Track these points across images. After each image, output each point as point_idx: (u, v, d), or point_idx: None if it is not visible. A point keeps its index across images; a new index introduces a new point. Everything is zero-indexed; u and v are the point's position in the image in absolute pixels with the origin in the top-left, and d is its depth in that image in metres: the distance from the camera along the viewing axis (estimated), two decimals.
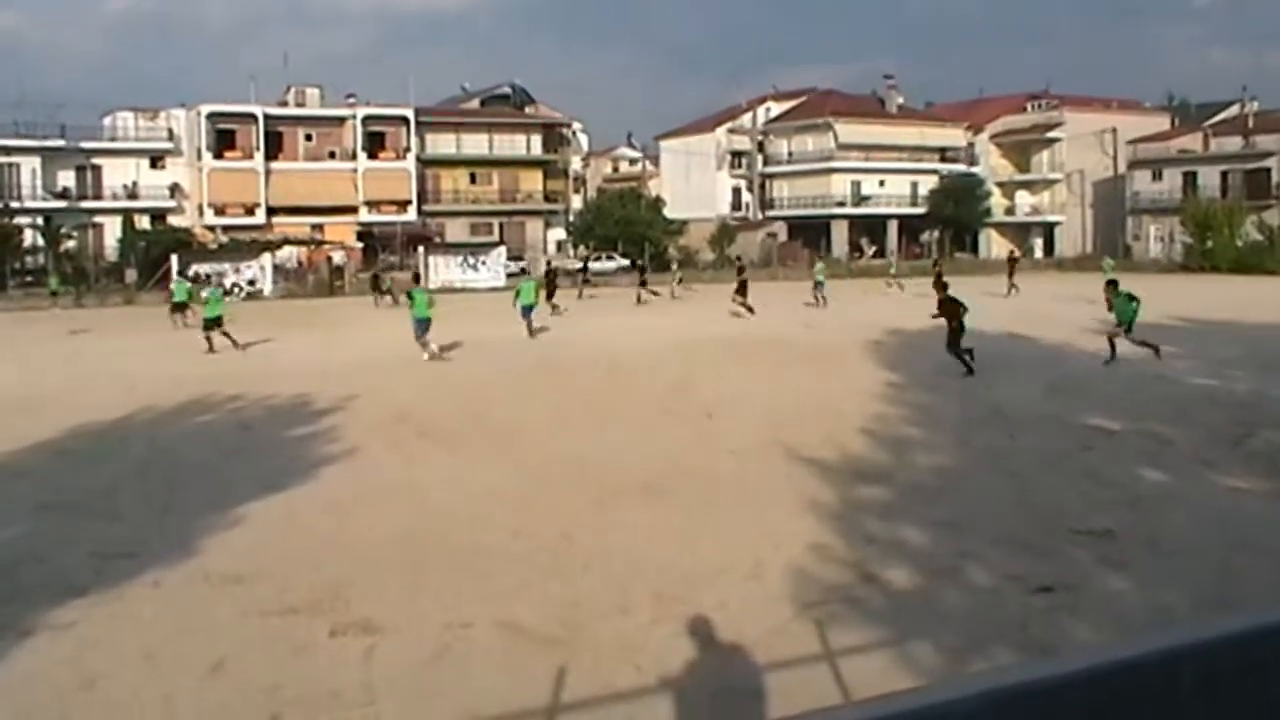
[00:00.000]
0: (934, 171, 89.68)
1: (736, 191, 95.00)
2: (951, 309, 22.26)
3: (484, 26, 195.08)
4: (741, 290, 39.37)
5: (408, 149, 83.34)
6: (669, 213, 78.58)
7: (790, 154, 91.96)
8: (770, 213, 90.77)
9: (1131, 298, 23.57)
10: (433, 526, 11.17)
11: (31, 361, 28.29)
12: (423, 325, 26.40)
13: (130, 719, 6.83)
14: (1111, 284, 25.08)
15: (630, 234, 73.07)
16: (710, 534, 10.67)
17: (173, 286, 36.86)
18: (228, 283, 53.88)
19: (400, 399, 19.96)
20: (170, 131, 78.73)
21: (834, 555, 9.82)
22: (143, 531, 11.19)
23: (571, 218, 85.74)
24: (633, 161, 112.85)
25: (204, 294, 32.09)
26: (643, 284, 48.80)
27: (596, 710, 6.95)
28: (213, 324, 29.27)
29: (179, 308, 36.68)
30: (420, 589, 9.11)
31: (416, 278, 28.84)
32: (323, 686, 7.22)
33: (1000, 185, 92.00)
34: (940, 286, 23.71)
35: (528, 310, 33.22)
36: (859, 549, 10.02)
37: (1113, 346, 23.05)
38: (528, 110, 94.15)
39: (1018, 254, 61.94)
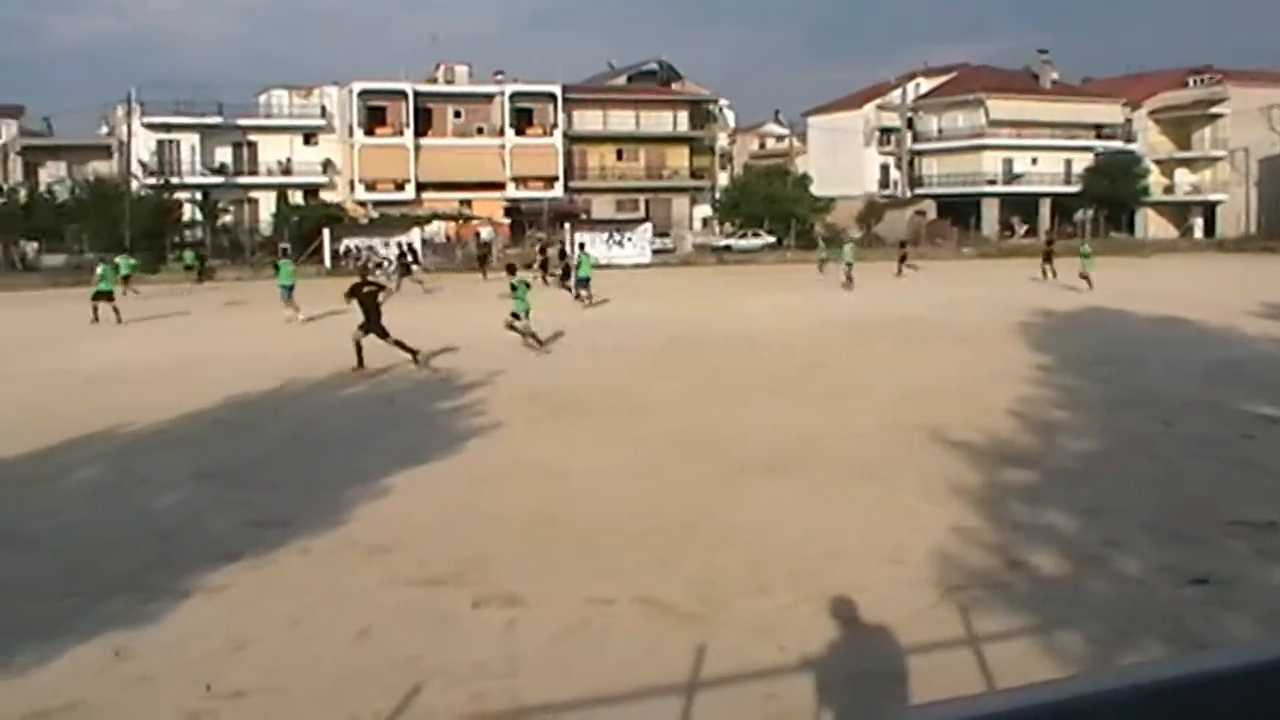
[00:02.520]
0: (1089, 149, 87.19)
1: (885, 169, 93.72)
2: None
3: (632, 3, 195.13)
4: (902, 260, 48.36)
5: (555, 125, 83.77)
6: (816, 190, 77.79)
7: (940, 131, 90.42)
8: (919, 190, 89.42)
9: None
10: (571, 502, 11.24)
11: (189, 333, 29.12)
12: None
13: (278, 682, 6.99)
14: None
15: (776, 211, 72.57)
16: (849, 514, 10.57)
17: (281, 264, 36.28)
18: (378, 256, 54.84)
19: (537, 375, 20.12)
20: (323, 109, 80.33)
21: (977, 539, 9.65)
22: (293, 500, 11.46)
23: (718, 194, 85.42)
24: (780, 138, 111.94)
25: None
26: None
27: (736, 687, 6.92)
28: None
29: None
30: (560, 563, 9.17)
31: (511, 268, 28.31)
32: (465, 657, 7.30)
33: (1158, 163, 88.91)
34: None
35: (584, 282, 34.31)
36: (1003, 533, 9.84)
37: None
38: (675, 87, 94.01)
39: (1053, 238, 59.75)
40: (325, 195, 75.63)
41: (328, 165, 79.20)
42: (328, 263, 57.02)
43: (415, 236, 60.13)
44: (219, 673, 7.08)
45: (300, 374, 20.25)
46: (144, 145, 72.72)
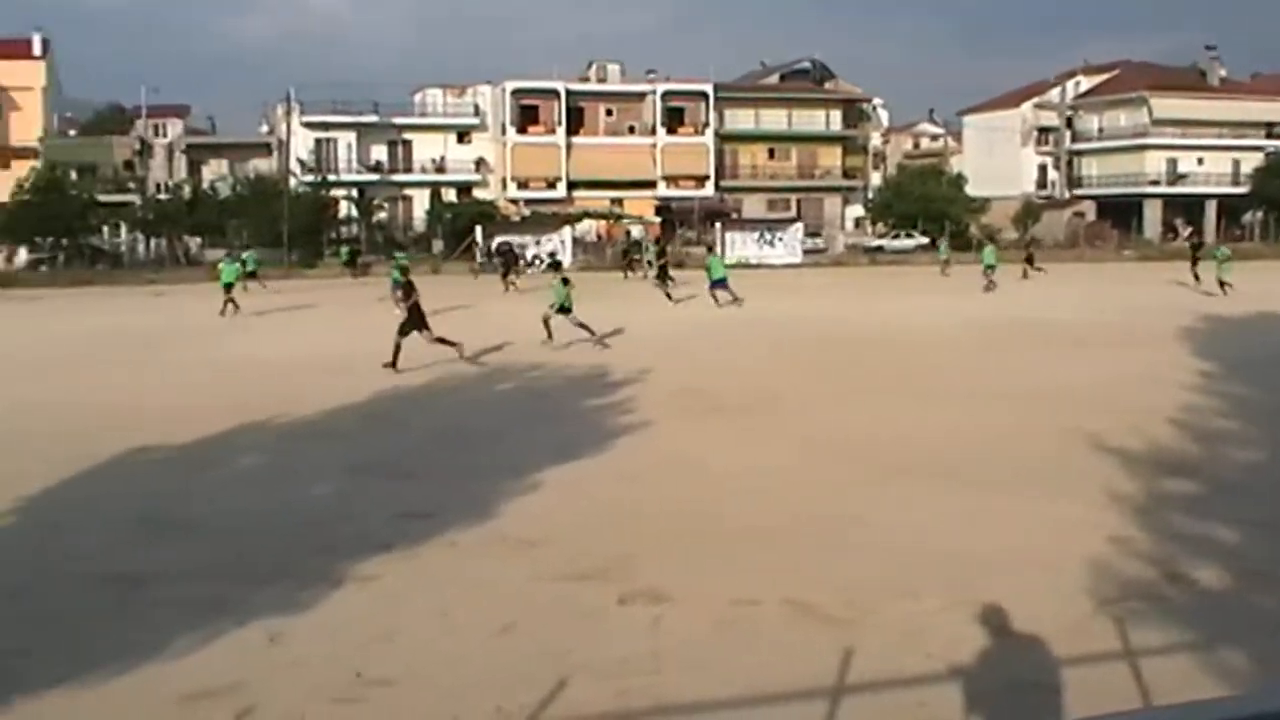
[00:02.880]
0: (1259, 148, 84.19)
1: (1042, 169, 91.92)
2: None
3: (786, 1, 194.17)
4: (1029, 260, 47.10)
5: (706, 124, 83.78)
6: (971, 190, 76.59)
7: (1101, 130, 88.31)
8: (1078, 191, 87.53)
9: None
10: (720, 501, 11.19)
11: (342, 327, 29.75)
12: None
13: (424, 672, 7.07)
14: None
15: (930, 211, 71.58)
16: (1002, 520, 10.35)
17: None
18: (529, 254, 55.42)
19: (689, 373, 20.12)
20: (476, 107, 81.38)
21: (1136, 550, 9.36)
22: (443, 493, 11.61)
23: (870, 194, 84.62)
24: (934, 137, 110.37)
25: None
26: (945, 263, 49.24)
27: (883, 694, 6.82)
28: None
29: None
30: (707, 562, 9.13)
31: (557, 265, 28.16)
32: (610, 653, 7.31)
33: None
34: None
35: (719, 283, 33.76)
36: (1163, 544, 9.52)
37: None
38: (827, 85, 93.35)
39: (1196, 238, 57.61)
40: (478, 193, 76.72)
41: (480, 163, 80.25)
42: (479, 260, 57.76)
43: (566, 235, 60.61)
44: (368, 660, 7.19)
45: (450, 369, 20.53)
46: (302, 143, 74.44)
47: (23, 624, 8.02)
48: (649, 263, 48.23)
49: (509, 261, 45.69)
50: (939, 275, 48.84)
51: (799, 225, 66.02)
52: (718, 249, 53.43)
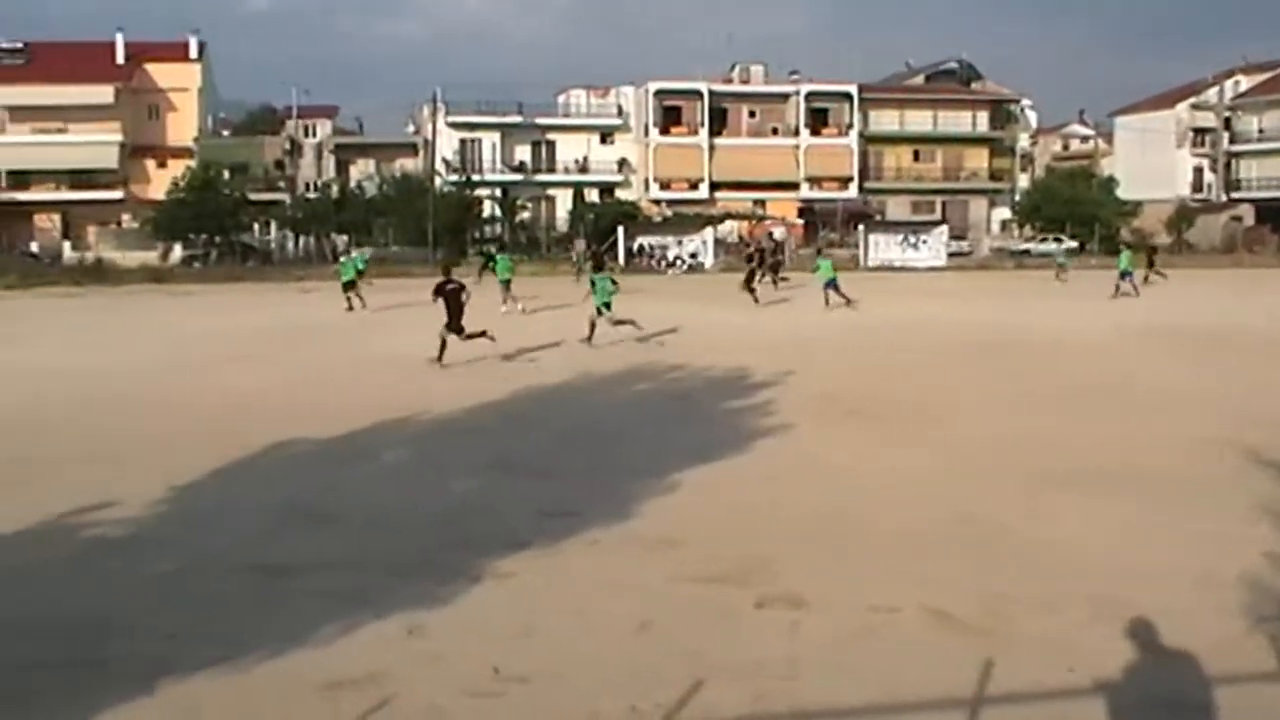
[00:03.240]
0: None
1: (1198, 171, 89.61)
2: None
3: (930, 1, 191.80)
4: (1150, 264, 45.16)
5: (850, 125, 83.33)
6: (1122, 193, 74.89)
7: (1261, 131, 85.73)
8: (1235, 194, 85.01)
9: None
10: (860, 506, 11.06)
11: (484, 324, 30.03)
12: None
13: (561, 669, 7.08)
14: None
15: (1079, 215, 70.12)
16: (1152, 533, 10.05)
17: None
18: (670, 255, 55.53)
19: (831, 376, 19.95)
20: (620, 108, 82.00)
21: None
22: (582, 492, 11.66)
23: (1017, 197, 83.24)
24: (1084, 139, 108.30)
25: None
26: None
27: (1024, 706, 6.65)
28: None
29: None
30: (846, 568, 9.03)
31: (598, 264, 28.18)
32: (746, 655, 7.26)
33: None
34: None
35: (830, 285, 34.18)
36: None
37: None
38: (974, 86, 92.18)
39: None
40: (620, 193, 77.28)
41: (623, 164, 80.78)
42: (622, 260, 58.03)
43: (708, 236, 60.63)
44: (506, 656, 7.23)
45: (589, 368, 20.64)
46: (447, 143, 75.69)
47: (172, 610, 8.23)
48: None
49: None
50: (1054, 281, 47.78)
51: (943, 228, 65.14)
52: (883, 249, 53.26)
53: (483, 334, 22.66)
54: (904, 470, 12.60)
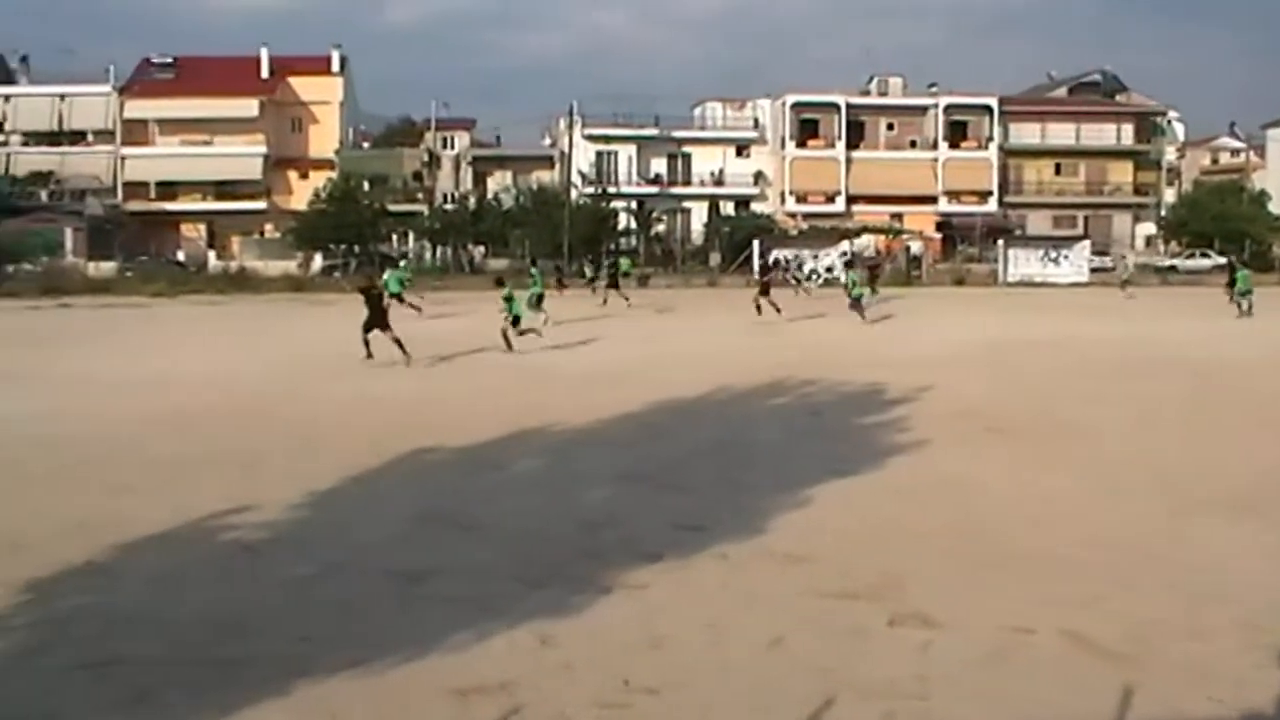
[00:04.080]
0: None
1: None
2: None
3: (1073, 11, 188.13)
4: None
5: (990, 139, 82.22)
6: (1275, 208, 72.73)
7: None
8: None
9: None
10: (996, 525, 10.87)
11: (619, 337, 30.21)
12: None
13: (691, 682, 7.06)
14: None
15: (1227, 230, 68.23)
16: None
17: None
18: (806, 269, 55.21)
19: (968, 393, 19.64)
20: (756, 121, 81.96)
21: None
22: (713, 506, 11.63)
23: (1163, 212, 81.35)
24: (1235, 152, 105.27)
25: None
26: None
27: None
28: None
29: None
30: (980, 587, 8.87)
31: (499, 282, 29.28)
32: (877, 674, 7.17)
33: None
34: None
35: (858, 300, 34.90)
36: None
37: None
38: (1119, 98, 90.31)
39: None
40: (756, 206, 77.14)
41: (759, 177, 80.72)
42: (756, 274, 57.89)
43: (844, 249, 60.29)
44: (636, 668, 7.23)
45: (725, 381, 20.59)
46: (584, 156, 76.28)
47: (309, 612, 8.39)
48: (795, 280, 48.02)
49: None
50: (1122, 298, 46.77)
51: (1086, 243, 63.91)
52: (1023, 264, 52.94)
53: (403, 351, 24.16)
54: (1044, 490, 12.35)
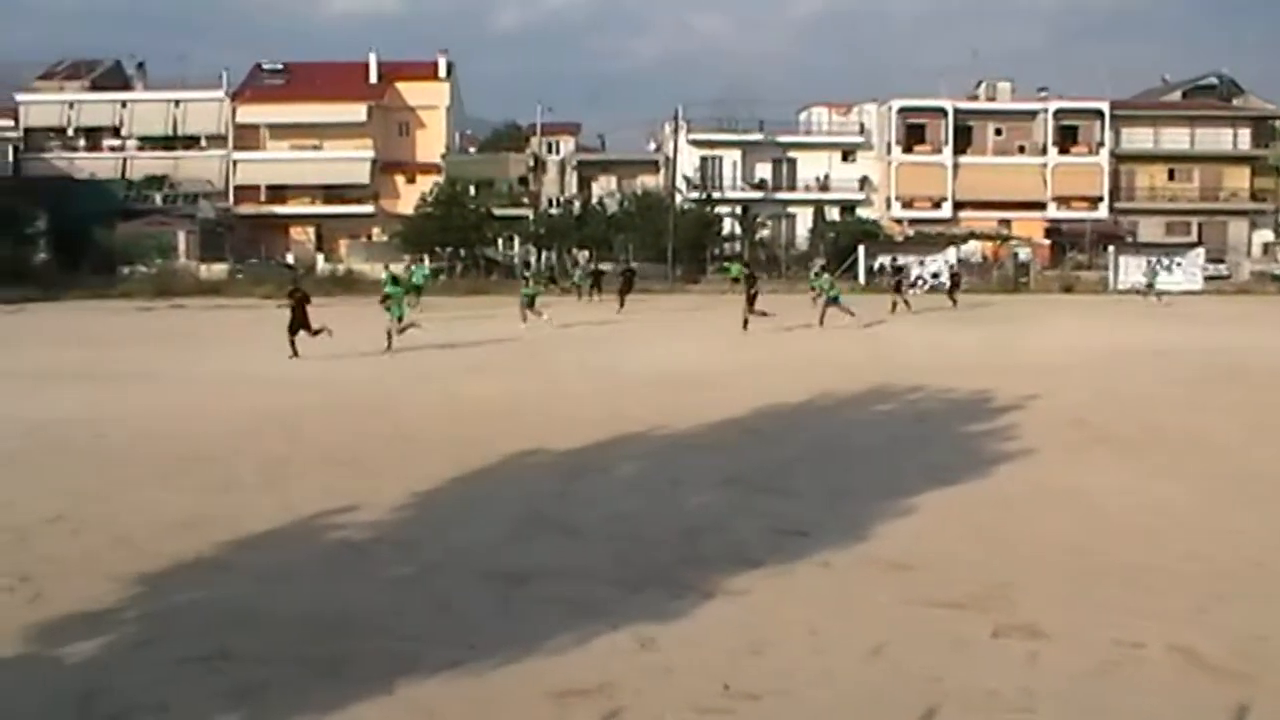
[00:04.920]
0: None
1: None
2: None
3: (1189, 14, 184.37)
4: None
5: (1101, 144, 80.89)
6: None
7: None
8: None
9: None
10: (1104, 537, 10.66)
11: (725, 342, 30.16)
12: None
13: (791, 689, 7.02)
14: None
15: None
16: None
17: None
18: (913, 275, 54.68)
19: (1077, 402, 19.31)
20: (862, 126, 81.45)
21: None
22: (815, 512, 11.56)
23: None
24: None
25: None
26: None
27: None
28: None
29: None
30: (1088, 600, 8.71)
31: (395, 279, 31.70)
32: (981, 685, 7.07)
33: None
34: None
35: (835, 300, 34.93)
36: None
37: None
38: (1235, 102, 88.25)
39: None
40: (861, 212, 76.66)
41: (865, 182, 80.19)
42: (862, 279, 57.56)
43: (951, 255, 59.71)
44: (736, 673, 7.20)
45: (829, 387, 20.48)
46: (688, 160, 76.23)
47: (413, 612, 8.46)
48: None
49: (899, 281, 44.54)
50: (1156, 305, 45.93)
51: (1200, 250, 62.66)
52: (1138, 271, 52.53)
53: (321, 330, 26.98)
54: (1157, 502, 12.10)
